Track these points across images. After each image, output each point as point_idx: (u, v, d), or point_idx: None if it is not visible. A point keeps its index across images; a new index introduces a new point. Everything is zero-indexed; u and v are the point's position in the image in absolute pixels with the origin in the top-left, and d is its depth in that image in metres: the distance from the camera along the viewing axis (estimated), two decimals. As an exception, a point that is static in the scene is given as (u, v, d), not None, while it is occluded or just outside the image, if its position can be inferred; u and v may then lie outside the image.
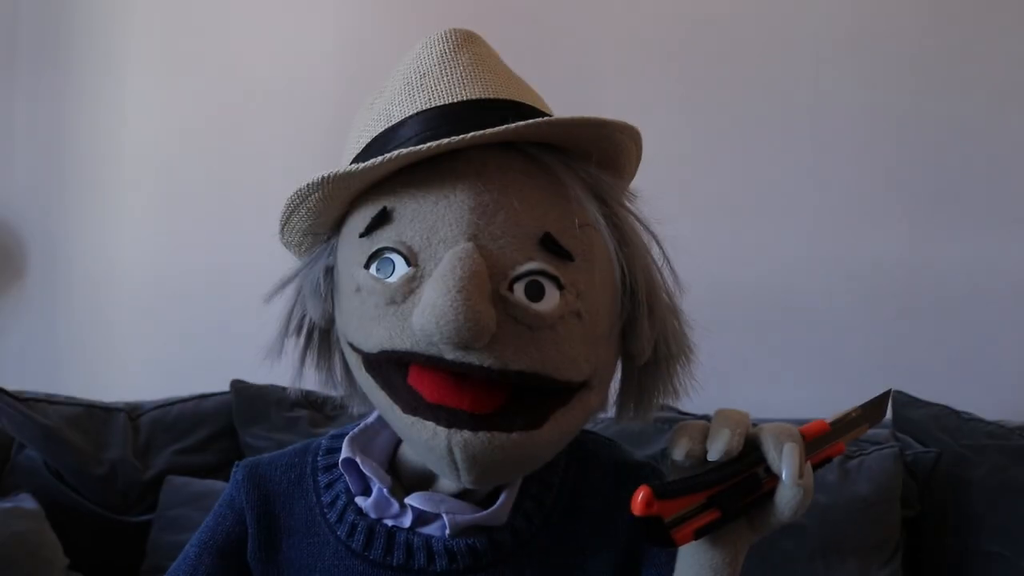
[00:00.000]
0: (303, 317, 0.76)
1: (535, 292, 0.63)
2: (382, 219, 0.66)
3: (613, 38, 2.20)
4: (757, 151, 2.15)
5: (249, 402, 1.92)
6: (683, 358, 0.74)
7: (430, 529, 0.71)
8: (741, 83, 2.16)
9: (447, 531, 0.70)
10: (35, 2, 2.39)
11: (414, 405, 0.64)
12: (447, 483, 0.71)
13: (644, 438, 1.83)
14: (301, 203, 0.70)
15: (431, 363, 0.63)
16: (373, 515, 0.73)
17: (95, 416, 1.89)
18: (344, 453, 0.74)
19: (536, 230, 0.64)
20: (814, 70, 2.14)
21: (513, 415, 0.63)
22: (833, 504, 1.68)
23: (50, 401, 1.86)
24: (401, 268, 0.64)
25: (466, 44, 0.72)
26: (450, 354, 0.61)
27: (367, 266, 0.66)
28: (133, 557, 1.79)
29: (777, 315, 2.10)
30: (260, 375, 1.90)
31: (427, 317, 0.59)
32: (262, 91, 2.31)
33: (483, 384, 0.63)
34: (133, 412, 1.94)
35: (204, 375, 2.01)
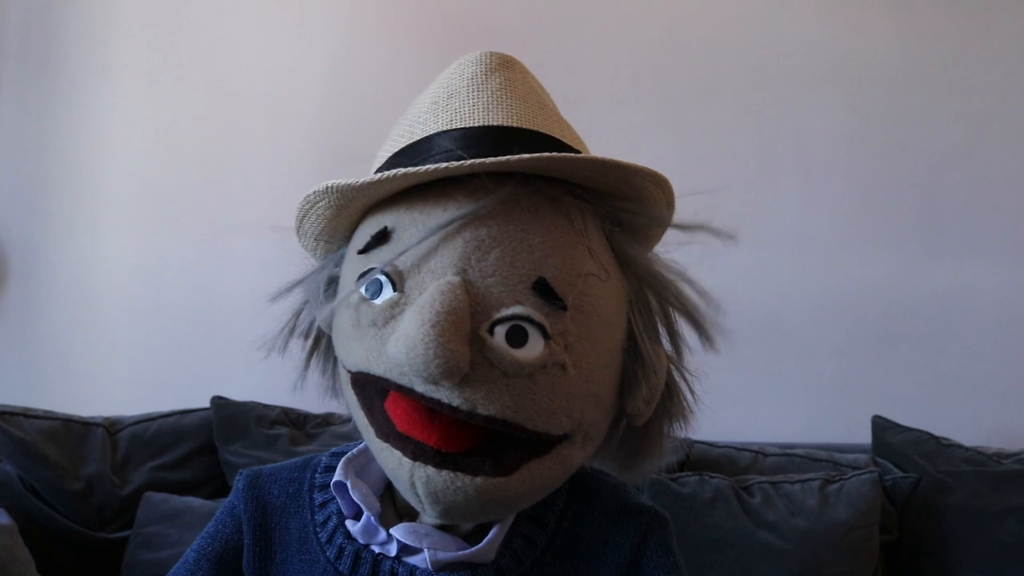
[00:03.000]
0: (313, 321, 0.75)
1: (517, 338, 0.61)
2: (381, 238, 0.65)
3: (600, 64, 2.22)
4: (742, 177, 2.17)
5: (229, 419, 1.91)
6: (678, 420, 0.72)
7: (416, 560, 0.70)
8: (726, 110, 2.18)
9: (429, 565, 0.69)
10: (19, 10, 2.39)
11: (386, 431, 0.64)
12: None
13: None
14: (310, 209, 0.70)
15: (402, 392, 0.62)
16: (361, 540, 0.72)
17: (73, 431, 1.87)
18: (337, 475, 0.73)
19: (531, 273, 0.62)
20: (798, 98, 2.17)
21: (481, 458, 0.61)
22: (812, 529, 1.68)
23: (27, 415, 1.84)
24: (387, 292, 0.63)
25: (499, 69, 0.70)
26: (420, 387, 0.60)
27: (358, 283, 0.65)
28: (109, 574, 1.76)
29: (758, 340, 2.11)
30: (241, 392, 1.89)
31: (399, 347, 0.58)
32: (247, 103, 2.31)
33: (455, 422, 0.61)
34: (112, 427, 1.92)
35: (184, 391, 1.99)
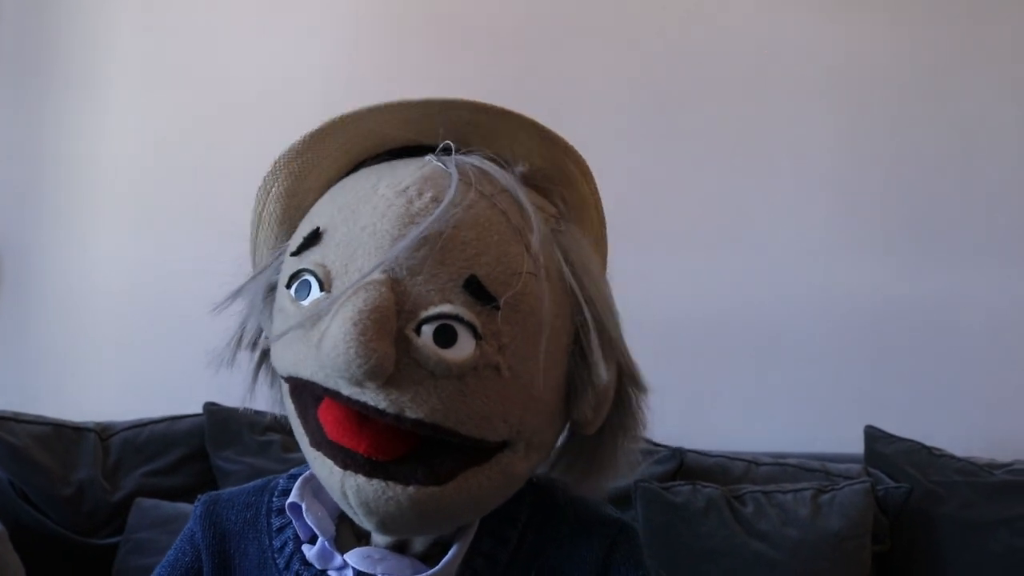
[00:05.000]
0: (259, 331, 0.73)
1: (446, 337, 0.58)
2: (313, 239, 0.64)
3: (593, 70, 2.22)
4: (735, 184, 2.18)
5: (221, 425, 1.90)
6: (631, 433, 0.69)
7: None
8: (721, 117, 2.19)
9: None
10: (13, 12, 2.39)
11: (318, 439, 0.62)
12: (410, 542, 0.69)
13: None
14: (266, 198, 0.70)
15: (331, 396, 0.60)
16: (317, 566, 0.69)
17: (64, 436, 1.87)
18: (292, 496, 0.71)
19: (462, 271, 0.59)
20: (792, 105, 2.18)
21: (413, 466, 0.60)
22: (805, 539, 1.68)
23: (18, 419, 1.84)
24: (315, 293, 0.62)
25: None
26: (346, 389, 0.58)
27: (288, 286, 0.64)
28: (98, 580, 1.76)
29: (751, 348, 2.12)
30: (234, 398, 1.89)
31: (322, 348, 0.57)
32: (241, 106, 2.31)
33: (385, 429, 0.59)
34: (103, 432, 1.92)
35: (177, 396, 1.99)
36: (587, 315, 0.64)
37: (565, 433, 0.71)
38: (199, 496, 0.78)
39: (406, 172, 0.64)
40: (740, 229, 2.17)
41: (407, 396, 0.58)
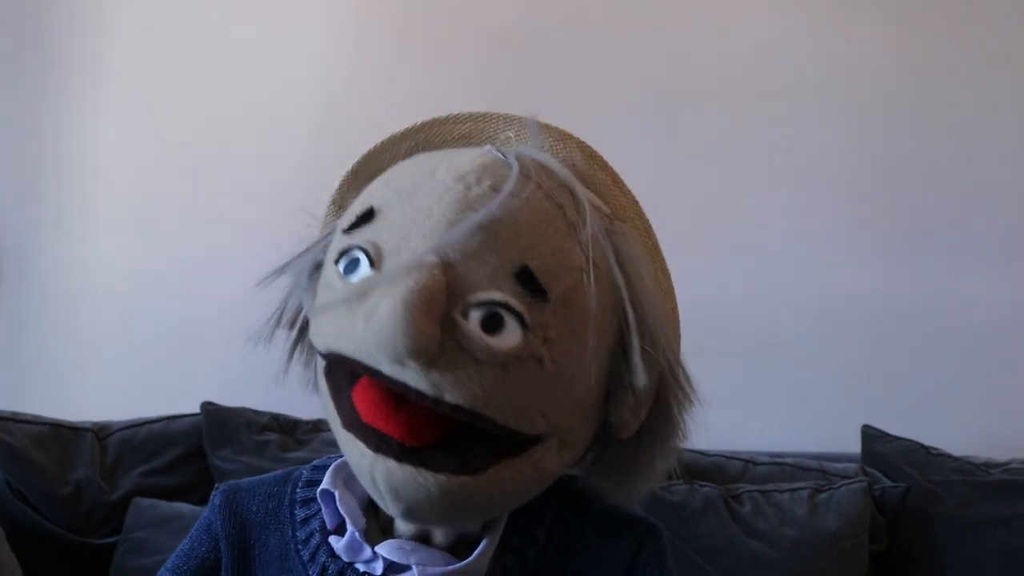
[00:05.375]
0: (299, 309, 0.73)
1: (493, 325, 0.58)
2: (367, 217, 0.64)
3: (590, 72, 2.22)
4: (734, 184, 2.18)
5: (219, 424, 1.90)
6: (670, 441, 0.69)
7: None
8: (720, 118, 2.19)
9: None
10: (12, 12, 2.38)
11: (351, 421, 0.62)
12: (435, 536, 0.69)
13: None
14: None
15: (370, 375, 0.59)
16: (345, 558, 0.69)
17: (61, 435, 1.87)
18: (325, 483, 0.70)
19: (515, 260, 0.59)
20: (789, 107, 2.18)
21: (446, 454, 0.59)
22: (801, 538, 1.68)
23: (15, 419, 1.84)
24: (364, 269, 0.62)
25: None
26: (387, 367, 0.58)
27: (337, 261, 0.64)
28: (95, 580, 1.76)
29: (749, 348, 2.12)
30: (231, 397, 1.89)
31: (370, 324, 0.56)
32: (242, 107, 2.30)
33: (421, 413, 0.59)
34: (101, 432, 1.92)
35: (174, 396, 1.99)
36: (631, 315, 0.64)
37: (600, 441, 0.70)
38: (218, 485, 0.77)
39: (465, 159, 0.64)
40: (737, 229, 2.17)
41: (448, 379, 0.57)
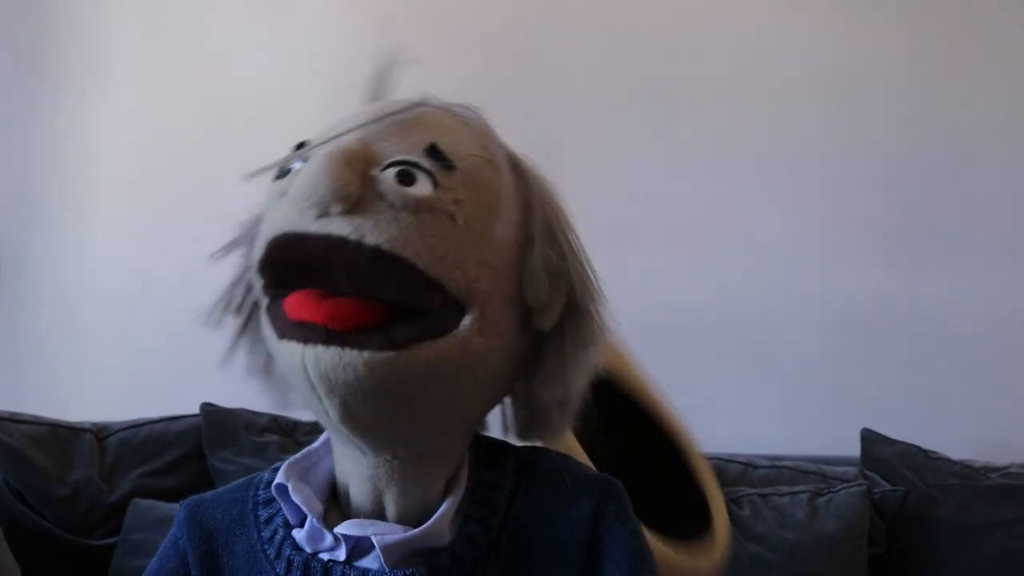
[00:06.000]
0: (247, 294, 0.74)
1: (407, 178, 0.64)
2: (299, 147, 0.71)
3: (589, 73, 2.22)
4: (731, 187, 2.18)
5: (219, 426, 1.90)
6: (588, 333, 0.70)
7: (367, 562, 0.68)
8: (716, 119, 2.19)
9: (382, 560, 0.66)
10: (10, 11, 2.39)
11: (283, 329, 0.65)
12: (390, 511, 0.70)
13: (615, 470, 1.84)
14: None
15: (299, 244, 0.63)
16: (308, 549, 0.69)
17: (60, 436, 1.87)
18: (278, 479, 0.71)
19: (424, 140, 0.66)
20: (787, 109, 2.18)
21: (369, 335, 0.62)
22: (801, 541, 1.68)
23: (14, 419, 1.84)
24: (296, 167, 0.67)
25: None
26: (313, 225, 0.62)
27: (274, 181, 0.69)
28: (94, 581, 1.76)
29: (747, 350, 2.12)
30: (231, 399, 1.89)
31: (297, 184, 0.62)
32: (239, 106, 2.30)
33: (346, 304, 0.62)
34: (100, 433, 1.92)
35: (174, 397, 1.99)
36: (546, 210, 0.70)
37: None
38: (181, 501, 0.77)
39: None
40: (736, 231, 2.17)
41: (369, 223, 0.62)
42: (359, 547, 0.68)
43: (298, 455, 0.74)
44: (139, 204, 2.33)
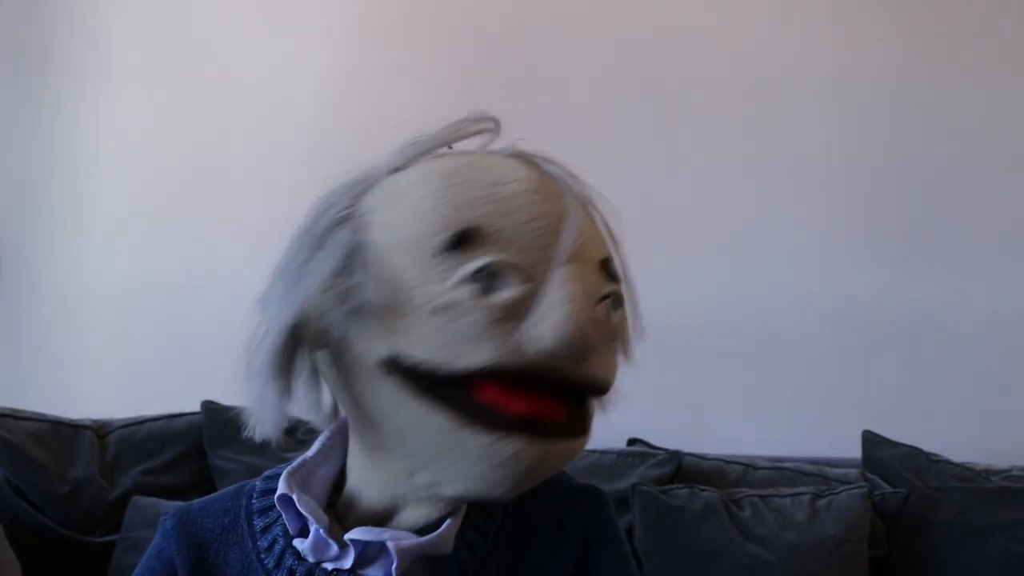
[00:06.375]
0: (321, 327, 0.66)
1: (614, 307, 0.66)
2: (463, 239, 0.64)
3: (591, 74, 2.23)
4: (733, 188, 2.18)
5: (219, 423, 1.90)
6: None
7: (372, 570, 0.69)
8: (718, 122, 2.19)
9: (394, 564, 0.67)
10: (13, 12, 2.39)
11: (495, 423, 0.63)
12: (401, 521, 0.70)
13: (616, 471, 1.83)
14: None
15: (544, 377, 0.64)
16: (312, 559, 0.69)
17: (61, 433, 1.87)
18: (281, 489, 0.71)
19: (597, 254, 0.69)
20: (790, 111, 2.18)
21: (579, 421, 0.68)
22: (801, 543, 1.68)
23: (15, 416, 1.84)
24: (511, 286, 0.63)
25: None
26: (570, 368, 0.64)
27: (463, 283, 0.63)
28: (94, 578, 1.76)
29: (749, 351, 2.12)
30: (231, 396, 1.89)
31: (557, 334, 0.62)
32: (242, 110, 2.31)
33: (563, 400, 0.66)
34: (101, 430, 1.92)
35: (174, 394, 1.99)
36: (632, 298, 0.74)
37: None
38: (165, 512, 0.76)
39: (511, 167, 0.69)
40: (738, 232, 2.17)
41: (609, 364, 0.67)
42: (365, 555, 0.69)
43: (295, 464, 0.73)
44: (139, 203, 2.34)
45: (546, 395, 0.64)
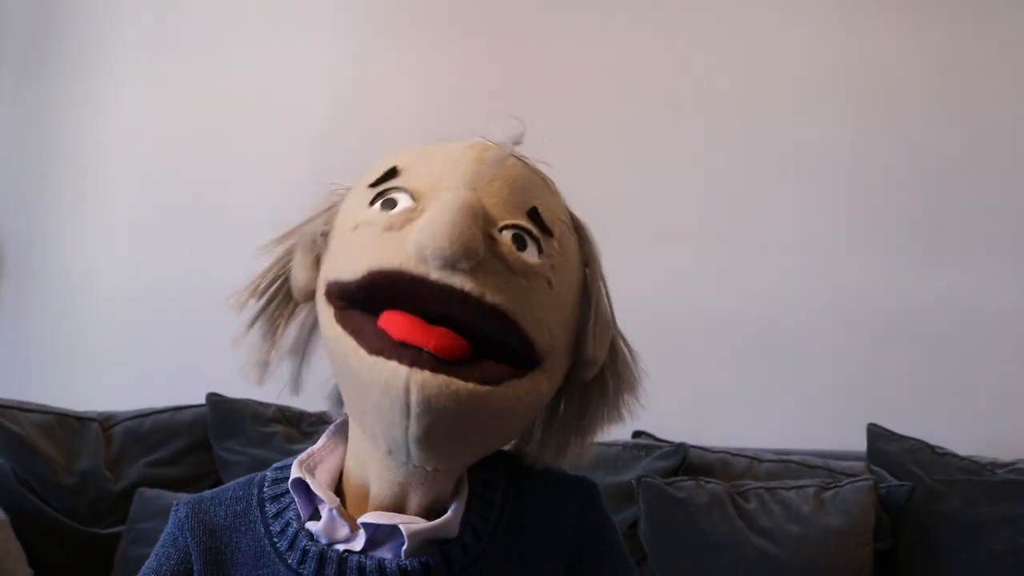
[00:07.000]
0: (276, 280, 0.78)
1: (519, 243, 0.68)
2: (391, 174, 0.72)
3: (599, 70, 2.22)
4: (740, 183, 2.17)
5: (224, 416, 1.91)
6: (627, 381, 0.78)
7: (382, 552, 0.72)
8: (727, 116, 2.19)
9: (405, 546, 0.70)
10: (17, 6, 2.39)
11: (379, 346, 0.66)
12: (411, 507, 0.73)
13: (621, 463, 1.83)
14: None
15: (414, 285, 0.65)
16: (324, 540, 0.72)
17: (67, 425, 1.87)
18: (293, 474, 0.74)
19: (526, 202, 0.71)
20: (799, 105, 2.17)
21: (471, 367, 0.66)
22: (807, 536, 1.68)
23: (21, 408, 1.84)
24: (404, 202, 0.69)
25: None
26: (435, 273, 0.65)
27: (372, 204, 0.71)
28: (100, 570, 1.76)
29: (757, 345, 2.11)
30: (237, 389, 1.89)
31: (424, 231, 0.64)
32: (245, 99, 2.31)
33: (446, 333, 0.66)
34: (106, 422, 1.92)
35: (180, 387, 1.99)
36: (596, 269, 0.77)
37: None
38: (176, 502, 0.78)
39: (469, 140, 0.75)
40: (744, 226, 2.16)
41: (489, 283, 0.66)
42: (375, 538, 0.72)
43: (303, 455, 0.77)
44: (144, 196, 2.34)
45: (432, 326, 0.66)
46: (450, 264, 0.64)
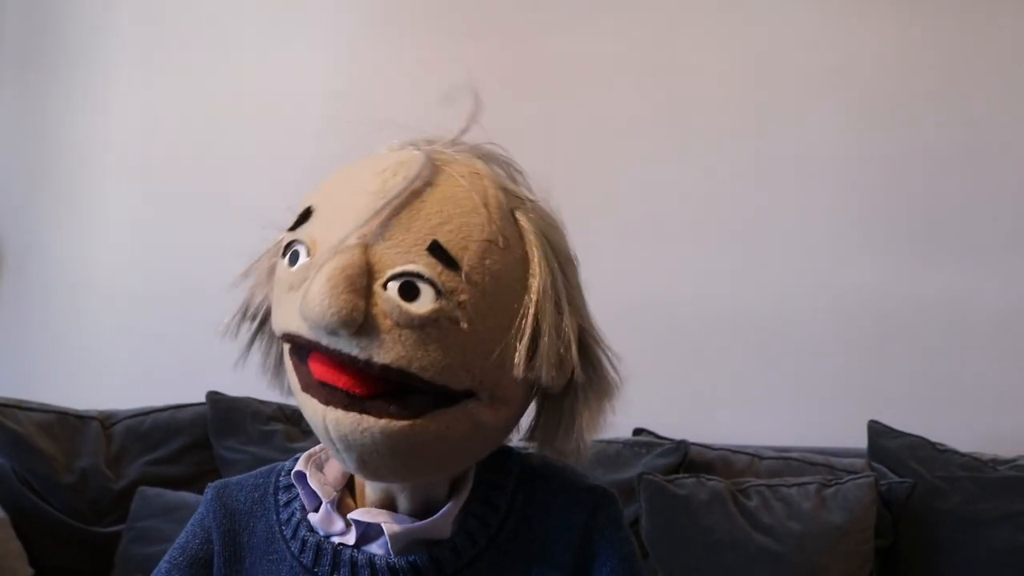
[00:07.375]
0: (262, 302, 0.79)
1: (409, 292, 0.65)
2: (306, 216, 0.71)
3: (597, 66, 2.22)
4: (740, 181, 2.17)
5: (225, 414, 1.90)
6: (600, 391, 0.74)
7: (374, 547, 0.74)
8: (726, 114, 2.18)
9: (389, 546, 0.72)
10: (17, 3, 2.38)
11: (306, 382, 0.69)
12: (401, 506, 0.74)
13: (622, 461, 1.83)
14: None
15: (312, 347, 0.67)
16: (321, 532, 0.75)
17: (67, 423, 1.87)
18: (297, 466, 0.77)
19: (426, 236, 0.67)
20: (799, 103, 2.17)
21: (386, 402, 0.66)
22: (807, 532, 1.68)
23: (21, 407, 1.84)
24: (302, 258, 0.69)
25: None
26: (325, 339, 0.65)
27: (283, 255, 0.71)
28: (101, 568, 1.76)
29: (757, 343, 2.11)
30: (236, 387, 1.89)
31: (305, 303, 0.64)
32: (244, 96, 2.30)
33: (361, 371, 0.66)
34: (107, 420, 1.92)
35: (180, 385, 1.99)
36: (546, 281, 0.71)
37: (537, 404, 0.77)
38: (210, 483, 0.83)
39: (385, 157, 0.72)
40: (744, 224, 2.16)
41: (375, 343, 0.65)
42: (367, 534, 0.74)
43: (316, 447, 0.79)
44: (144, 195, 2.34)
45: (346, 366, 0.66)
46: (333, 333, 0.64)
